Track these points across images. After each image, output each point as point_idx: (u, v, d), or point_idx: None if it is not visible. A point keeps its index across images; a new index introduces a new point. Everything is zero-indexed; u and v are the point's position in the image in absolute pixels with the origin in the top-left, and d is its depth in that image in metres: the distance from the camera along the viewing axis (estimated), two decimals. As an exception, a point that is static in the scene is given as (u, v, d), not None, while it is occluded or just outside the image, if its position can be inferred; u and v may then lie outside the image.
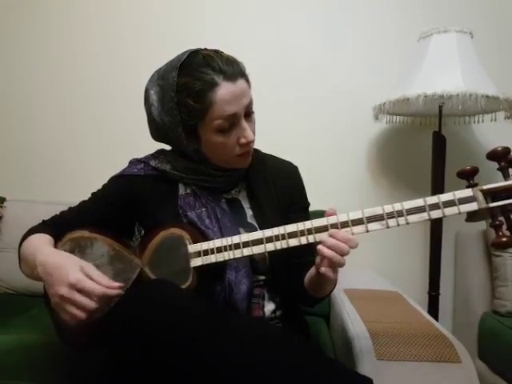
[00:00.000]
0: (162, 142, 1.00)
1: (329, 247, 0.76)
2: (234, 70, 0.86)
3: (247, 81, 0.89)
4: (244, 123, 0.89)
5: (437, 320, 1.53)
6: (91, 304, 0.74)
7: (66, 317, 0.76)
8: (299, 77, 1.89)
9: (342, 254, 0.76)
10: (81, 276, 0.75)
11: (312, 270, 0.89)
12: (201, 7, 1.94)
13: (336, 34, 1.88)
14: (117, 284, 0.78)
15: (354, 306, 1.21)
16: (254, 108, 0.93)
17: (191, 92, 0.85)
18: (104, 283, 0.76)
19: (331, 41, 1.88)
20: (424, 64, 1.53)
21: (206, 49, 0.90)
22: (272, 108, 1.84)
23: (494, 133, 1.75)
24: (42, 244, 0.89)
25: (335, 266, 0.78)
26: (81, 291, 0.74)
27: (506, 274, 1.54)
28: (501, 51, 1.79)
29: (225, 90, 0.84)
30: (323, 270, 0.78)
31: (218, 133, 0.88)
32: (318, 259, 0.80)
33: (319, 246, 0.78)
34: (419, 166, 1.83)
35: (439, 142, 1.64)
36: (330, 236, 0.78)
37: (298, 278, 0.97)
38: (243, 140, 0.90)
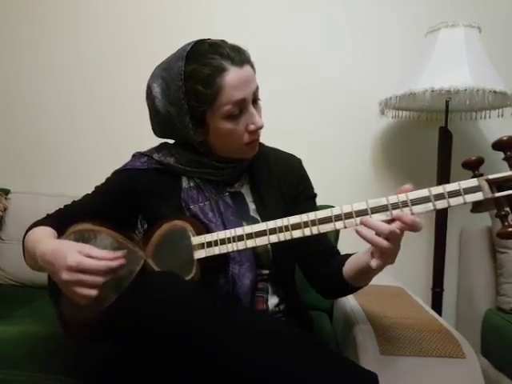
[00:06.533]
0: (165, 137, 1.00)
1: (371, 228, 0.73)
2: (240, 56, 0.87)
3: (253, 67, 0.90)
4: (252, 109, 0.90)
5: (440, 316, 1.53)
6: (97, 279, 0.74)
7: (78, 299, 0.76)
8: (304, 71, 1.88)
9: (387, 236, 0.72)
10: (79, 257, 0.74)
11: (360, 259, 0.84)
12: (201, 3, 1.94)
13: (343, 27, 1.87)
14: (119, 253, 0.77)
15: (357, 301, 1.21)
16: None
17: (200, 78, 0.85)
18: (106, 256, 0.76)
19: (338, 35, 1.87)
20: (431, 58, 1.52)
21: (210, 39, 0.91)
22: (276, 102, 1.83)
23: (500, 129, 1.73)
24: (43, 236, 0.89)
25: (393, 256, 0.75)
26: (83, 271, 0.74)
27: (510, 271, 1.53)
28: (509, 46, 1.78)
29: (233, 74, 0.85)
30: (374, 265, 0.74)
31: (227, 119, 0.88)
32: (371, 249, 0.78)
33: (359, 229, 0.74)
34: (425, 161, 1.82)
35: (445, 138, 1.63)
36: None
37: (327, 268, 0.95)
38: (252, 126, 0.90)
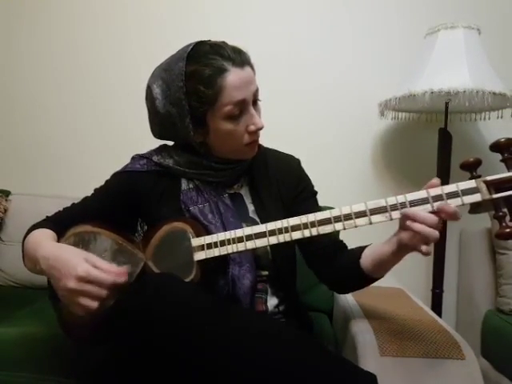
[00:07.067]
0: (164, 138, 1.00)
1: (420, 222, 0.72)
2: (241, 57, 0.87)
3: (253, 69, 0.91)
4: (252, 110, 0.90)
5: (440, 317, 1.53)
6: (102, 292, 0.74)
7: (77, 309, 0.76)
8: (304, 72, 1.89)
9: (436, 227, 0.72)
10: (88, 267, 0.75)
11: (381, 249, 0.84)
12: (200, 5, 1.94)
13: (342, 29, 1.87)
14: (125, 270, 0.78)
15: (357, 303, 1.21)
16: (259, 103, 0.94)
17: (201, 78, 0.86)
18: (113, 271, 0.76)
19: (337, 36, 1.87)
20: (431, 60, 1.52)
21: (210, 40, 0.91)
22: (276, 104, 1.83)
23: (500, 130, 1.73)
24: (43, 238, 0.89)
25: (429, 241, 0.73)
26: (91, 282, 0.74)
27: (510, 272, 1.53)
28: (508, 48, 1.78)
29: (234, 75, 0.85)
30: (425, 249, 0.72)
31: (228, 120, 0.88)
32: (405, 235, 0.76)
33: (409, 223, 0.73)
34: (425, 163, 1.82)
35: (445, 139, 1.63)
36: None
37: (339, 262, 0.95)
38: (252, 127, 0.90)
